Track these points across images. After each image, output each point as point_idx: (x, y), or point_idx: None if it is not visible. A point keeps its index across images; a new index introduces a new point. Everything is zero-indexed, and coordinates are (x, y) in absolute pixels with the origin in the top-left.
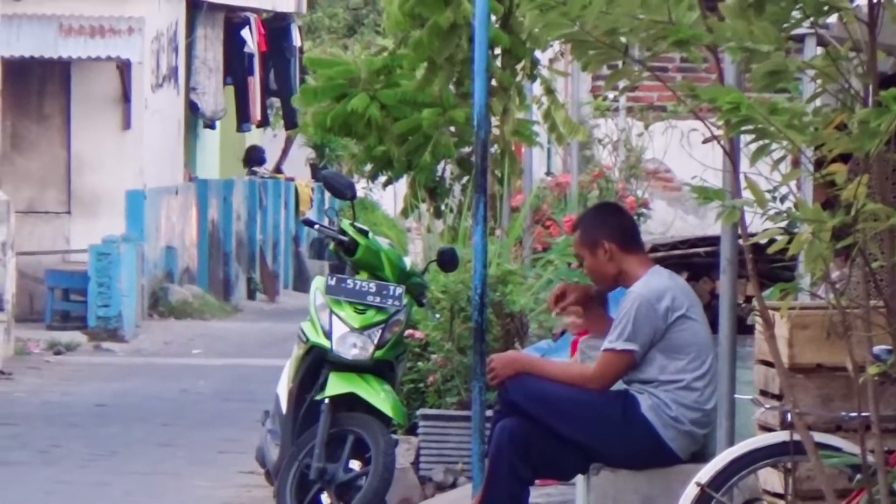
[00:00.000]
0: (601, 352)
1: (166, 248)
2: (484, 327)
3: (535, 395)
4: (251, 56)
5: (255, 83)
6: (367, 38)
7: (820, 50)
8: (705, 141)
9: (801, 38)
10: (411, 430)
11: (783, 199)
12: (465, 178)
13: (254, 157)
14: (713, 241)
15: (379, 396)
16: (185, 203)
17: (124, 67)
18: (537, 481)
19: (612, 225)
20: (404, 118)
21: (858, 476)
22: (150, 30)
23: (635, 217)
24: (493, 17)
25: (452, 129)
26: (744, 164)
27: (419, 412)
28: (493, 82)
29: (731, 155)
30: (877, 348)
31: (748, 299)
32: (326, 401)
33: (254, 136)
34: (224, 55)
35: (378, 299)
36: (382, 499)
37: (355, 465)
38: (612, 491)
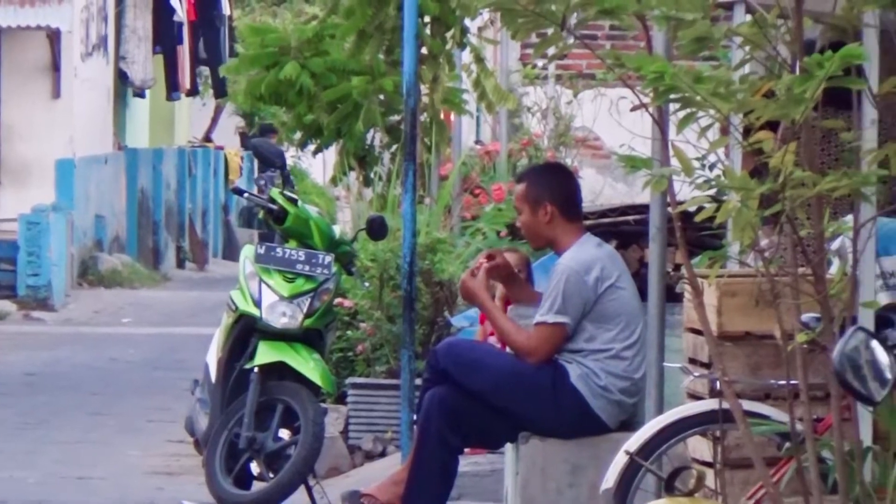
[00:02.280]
0: (534, 325)
1: (96, 217)
2: (413, 296)
3: (464, 364)
4: (180, 25)
5: (184, 52)
6: (296, 6)
7: (749, 17)
8: (633, 109)
9: (730, 6)
10: (340, 399)
11: (711, 167)
12: (395, 147)
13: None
14: (642, 209)
15: (308, 365)
16: (115, 172)
17: (54, 36)
18: (466, 450)
19: (559, 188)
20: (334, 86)
21: (787, 444)
22: None
23: None
24: None
25: (382, 97)
26: (673, 132)
27: (348, 381)
28: (423, 50)
29: (660, 123)
30: (805, 316)
31: (677, 267)
32: (256, 369)
33: (183, 105)
34: (153, 24)
35: (307, 268)
36: (311, 467)
37: (284, 434)
38: (541, 460)
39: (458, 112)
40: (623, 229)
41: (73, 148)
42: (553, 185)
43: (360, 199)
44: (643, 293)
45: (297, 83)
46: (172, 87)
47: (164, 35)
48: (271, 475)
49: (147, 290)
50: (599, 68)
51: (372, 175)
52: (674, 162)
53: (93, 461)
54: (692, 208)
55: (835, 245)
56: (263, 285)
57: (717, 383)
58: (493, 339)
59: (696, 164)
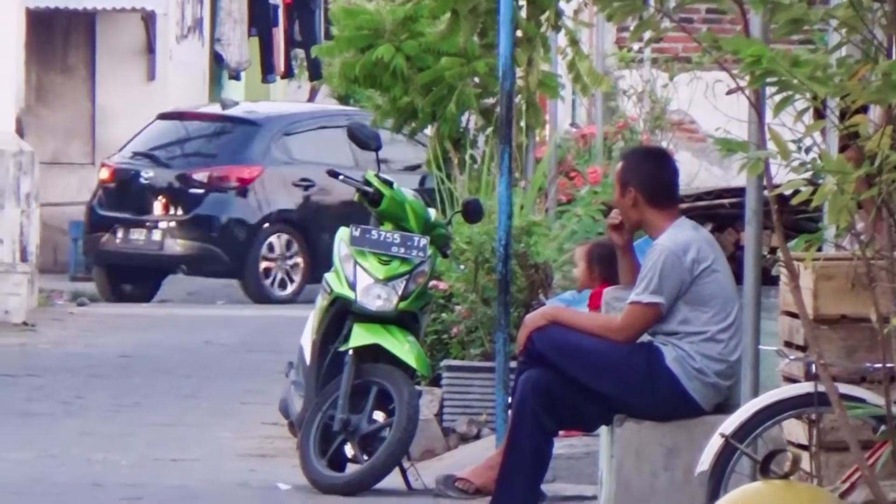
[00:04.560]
0: (627, 304)
1: None
2: (508, 278)
3: (559, 346)
4: (276, 7)
5: (279, 34)
6: None
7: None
8: (729, 92)
9: None
10: (435, 382)
11: (808, 150)
12: (489, 130)
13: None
14: (738, 192)
15: (403, 348)
16: None
17: (149, 18)
18: (561, 432)
19: (646, 175)
20: (428, 69)
21: (883, 427)
22: None
23: None
24: None
25: (476, 79)
26: (769, 116)
27: (443, 363)
28: (518, 33)
29: (757, 106)
30: None
31: (773, 250)
32: (350, 352)
33: (278, 87)
34: (249, 6)
35: (402, 250)
36: (406, 450)
37: (379, 416)
38: (637, 442)
39: (552, 96)
40: (718, 212)
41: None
42: (642, 171)
43: (455, 182)
44: (738, 276)
45: (390, 65)
46: (267, 70)
47: (260, 17)
48: (365, 457)
49: None
50: (695, 51)
51: (467, 158)
52: (770, 145)
53: (186, 444)
54: (788, 191)
55: None
56: (358, 268)
57: (813, 366)
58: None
59: (793, 147)
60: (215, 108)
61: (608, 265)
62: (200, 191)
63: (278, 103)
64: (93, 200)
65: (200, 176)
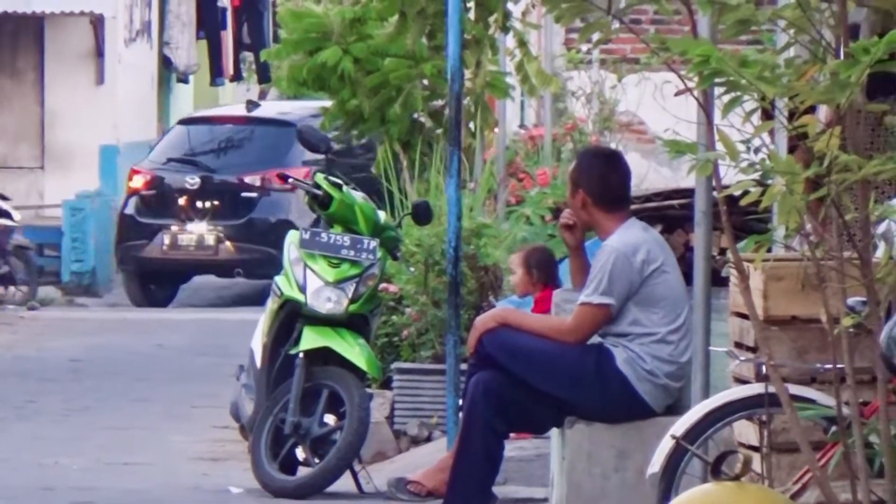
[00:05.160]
0: (577, 305)
1: None
2: (458, 280)
3: (509, 348)
4: (224, 10)
5: (228, 37)
6: None
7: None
8: (678, 93)
9: None
10: (386, 384)
11: (756, 150)
12: (438, 131)
13: None
14: (687, 193)
15: (353, 350)
16: None
17: (97, 22)
18: (512, 435)
19: (596, 176)
20: (377, 71)
21: (833, 428)
22: None
23: None
24: None
25: (425, 82)
26: (717, 117)
27: (393, 366)
28: (466, 35)
29: (705, 107)
30: (851, 300)
31: (722, 251)
32: (301, 355)
33: (227, 90)
34: (197, 9)
35: (352, 253)
36: (357, 453)
37: (330, 419)
38: (587, 444)
39: (502, 96)
40: (668, 214)
41: (117, 134)
42: (592, 173)
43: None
44: (688, 277)
45: (338, 68)
46: (216, 73)
47: (208, 20)
48: (317, 460)
49: None
50: (644, 52)
51: (415, 160)
52: (719, 146)
53: (138, 447)
54: (737, 192)
55: (881, 229)
56: (308, 270)
57: (764, 367)
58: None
59: (742, 147)
60: (236, 111)
61: (546, 268)
62: (253, 194)
63: (301, 102)
64: (126, 208)
65: (252, 179)
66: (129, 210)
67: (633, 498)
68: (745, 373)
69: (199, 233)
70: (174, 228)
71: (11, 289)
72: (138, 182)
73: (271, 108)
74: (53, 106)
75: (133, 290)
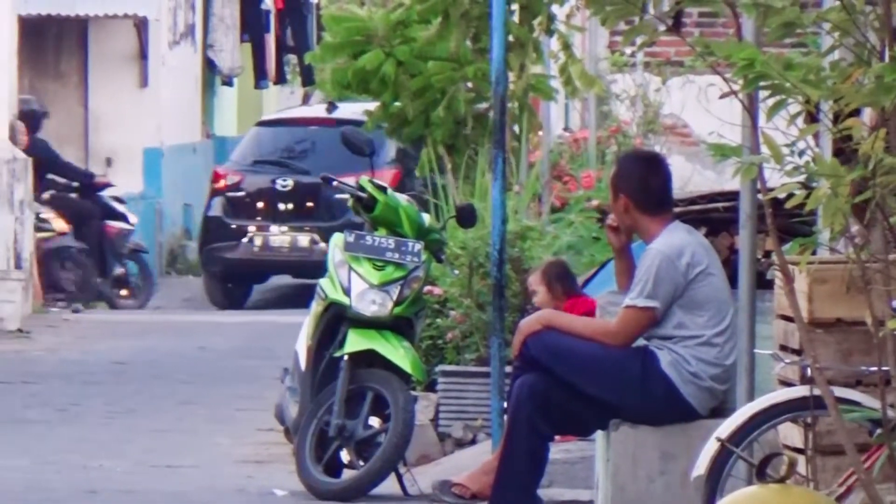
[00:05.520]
0: (622, 308)
1: (184, 205)
2: (503, 283)
3: (554, 351)
4: (268, 13)
5: (271, 40)
6: None
7: (837, 3)
8: (722, 96)
9: None
10: (430, 387)
11: (801, 153)
12: (483, 134)
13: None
14: (732, 196)
15: (398, 353)
16: (203, 160)
17: (141, 25)
18: (557, 437)
19: (636, 181)
20: (421, 74)
21: (879, 431)
22: None
23: None
24: None
25: (469, 85)
26: (762, 120)
27: (438, 368)
28: (511, 38)
29: (750, 110)
30: None
31: (767, 254)
32: (345, 357)
33: (271, 93)
34: (241, 12)
35: (397, 255)
36: (401, 455)
37: (374, 421)
38: (632, 447)
39: (546, 98)
40: (712, 216)
41: (161, 137)
42: (632, 178)
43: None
44: (733, 280)
45: (379, 71)
46: (260, 76)
47: (252, 23)
48: (361, 463)
49: None
50: (688, 55)
51: (460, 164)
52: (763, 149)
53: (182, 450)
54: (782, 195)
55: None
56: (353, 273)
57: (809, 370)
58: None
59: (786, 150)
60: (314, 112)
61: (565, 279)
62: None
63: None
64: (209, 210)
65: (346, 181)
66: (215, 212)
67: (678, 500)
68: (789, 375)
69: (292, 234)
70: (266, 230)
71: (125, 291)
72: (224, 184)
73: (349, 109)
74: (97, 109)
75: (214, 291)
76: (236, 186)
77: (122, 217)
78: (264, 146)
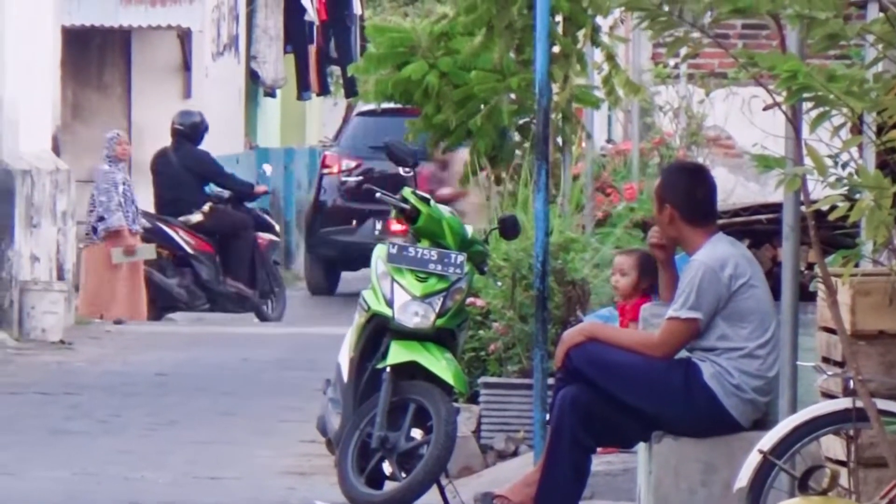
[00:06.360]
0: (665, 320)
1: None
2: (546, 295)
3: (597, 363)
4: (311, 24)
5: (314, 51)
6: (427, 5)
7: (881, 15)
8: (766, 108)
9: (863, 4)
10: (472, 399)
11: (844, 165)
12: (526, 146)
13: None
14: (775, 207)
15: (440, 364)
16: (246, 171)
17: (185, 36)
18: (599, 449)
19: (682, 192)
20: (464, 85)
21: None
22: None
23: None
24: None
25: (513, 96)
26: (805, 131)
27: (480, 380)
28: (555, 49)
29: (793, 122)
30: None
31: (810, 266)
32: (388, 369)
33: (314, 104)
34: (284, 23)
35: (439, 267)
36: (444, 467)
37: (417, 433)
38: (674, 459)
39: (591, 105)
40: (755, 228)
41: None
42: (678, 189)
43: (491, 199)
44: (776, 292)
45: (423, 82)
46: (303, 87)
47: (295, 34)
48: (403, 475)
49: None
50: (731, 67)
51: (503, 174)
52: (807, 161)
53: (225, 462)
54: (825, 207)
55: None
56: (396, 285)
57: (851, 382)
58: (633, 325)
59: (829, 162)
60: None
61: (654, 277)
62: None
63: None
64: (323, 194)
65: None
66: (328, 196)
67: None
68: (832, 387)
69: None
70: (388, 214)
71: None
72: (338, 168)
73: None
74: (140, 120)
75: (317, 277)
76: (353, 171)
77: (270, 228)
78: (370, 134)
